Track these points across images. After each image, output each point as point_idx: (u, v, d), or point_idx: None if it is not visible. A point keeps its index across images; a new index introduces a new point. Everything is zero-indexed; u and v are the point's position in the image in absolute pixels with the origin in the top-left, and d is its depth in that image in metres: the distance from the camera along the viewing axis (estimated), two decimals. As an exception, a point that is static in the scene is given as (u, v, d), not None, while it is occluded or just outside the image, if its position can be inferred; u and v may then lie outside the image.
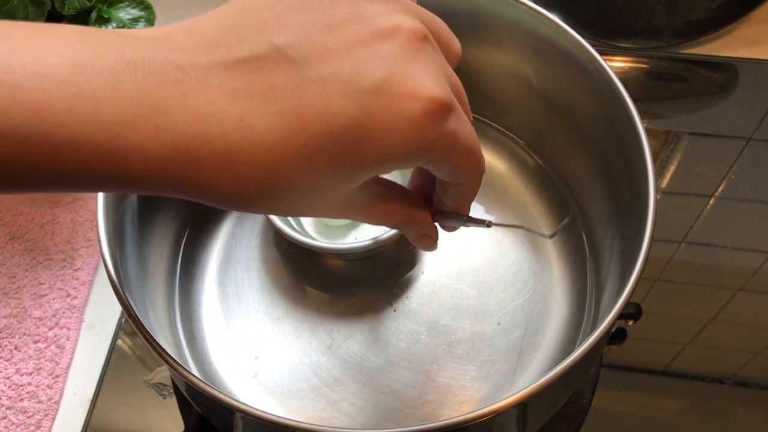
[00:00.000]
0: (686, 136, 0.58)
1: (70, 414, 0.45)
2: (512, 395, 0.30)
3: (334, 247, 0.44)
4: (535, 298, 0.45)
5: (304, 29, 0.22)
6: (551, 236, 0.29)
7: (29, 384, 0.46)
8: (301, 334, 0.44)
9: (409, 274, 0.47)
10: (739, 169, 0.56)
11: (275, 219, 0.44)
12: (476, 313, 0.45)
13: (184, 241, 0.48)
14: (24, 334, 0.47)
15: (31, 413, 0.45)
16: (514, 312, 0.45)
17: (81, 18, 0.51)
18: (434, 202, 0.30)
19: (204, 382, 0.31)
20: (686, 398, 0.46)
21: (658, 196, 0.40)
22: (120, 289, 0.34)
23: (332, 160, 0.22)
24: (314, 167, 0.22)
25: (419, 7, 0.25)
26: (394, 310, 0.45)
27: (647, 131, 0.38)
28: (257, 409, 0.30)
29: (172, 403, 0.46)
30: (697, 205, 0.54)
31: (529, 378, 0.43)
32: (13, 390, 0.45)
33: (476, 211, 0.49)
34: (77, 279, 0.50)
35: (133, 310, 0.34)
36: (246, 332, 0.45)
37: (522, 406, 0.33)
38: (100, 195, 0.37)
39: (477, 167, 0.26)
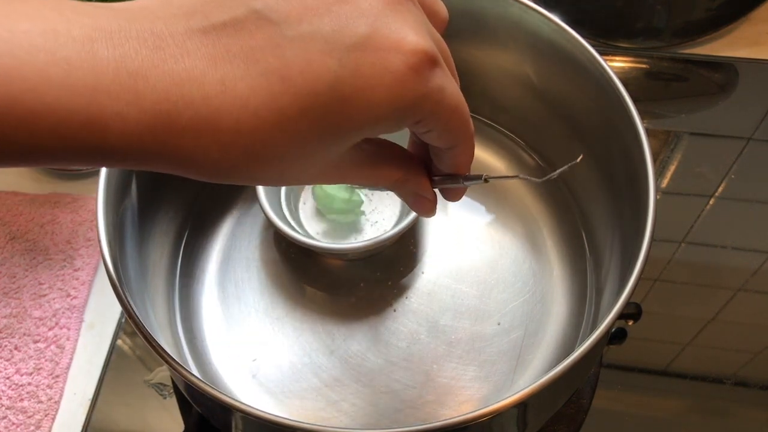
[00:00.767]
0: (686, 136, 0.58)
1: (70, 414, 0.45)
2: (512, 395, 0.30)
3: (334, 247, 0.44)
4: (535, 298, 0.45)
5: None
6: (543, 180, 0.29)
7: (29, 384, 0.46)
8: (301, 334, 0.44)
9: (409, 274, 0.47)
10: (739, 169, 0.56)
11: (275, 219, 0.44)
12: (476, 313, 0.45)
13: (184, 241, 0.48)
14: (24, 334, 0.47)
15: (31, 413, 0.45)
16: (514, 312, 0.45)
17: None
18: (432, 171, 0.30)
19: (204, 382, 0.31)
20: (686, 398, 0.46)
21: (658, 196, 0.40)
22: (120, 289, 0.34)
23: (318, 121, 0.22)
24: (300, 129, 0.22)
25: None
26: (394, 310, 0.45)
27: (647, 131, 0.38)
28: (257, 409, 0.30)
29: (172, 403, 0.46)
30: (697, 205, 0.54)
31: (529, 378, 0.43)
32: (13, 390, 0.45)
33: (476, 210, 0.50)
34: (77, 279, 0.50)
35: (133, 310, 0.34)
36: (246, 332, 0.45)
37: (522, 406, 0.33)
38: (100, 195, 0.37)
39: (466, 128, 0.25)
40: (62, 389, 0.46)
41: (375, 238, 0.43)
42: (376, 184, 0.28)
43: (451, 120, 0.24)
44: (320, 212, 0.48)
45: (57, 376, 0.46)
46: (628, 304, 0.33)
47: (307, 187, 0.49)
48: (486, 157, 0.52)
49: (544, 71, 0.46)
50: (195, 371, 0.43)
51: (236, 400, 0.31)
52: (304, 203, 0.49)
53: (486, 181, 0.27)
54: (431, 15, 0.25)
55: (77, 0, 0.21)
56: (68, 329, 0.48)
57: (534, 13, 0.43)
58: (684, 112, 0.61)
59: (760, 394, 0.46)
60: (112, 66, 0.20)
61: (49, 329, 0.48)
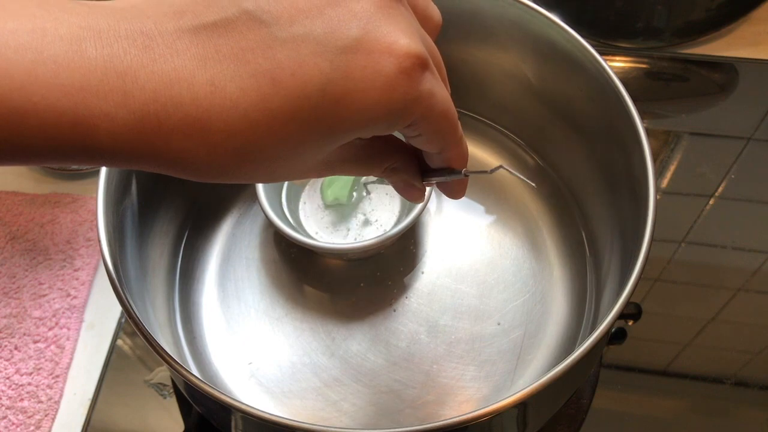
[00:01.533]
0: (686, 136, 0.58)
1: (70, 414, 0.45)
2: (512, 395, 0.30)
3: (334, 247, 0.44)
4: (535, 298, 0.45)
5: None
6: (491, 172, 0.29)
7: (29, 384, 0.46)
8: (301, 334, 0.44)
9: (409, 274, 0.47)
10: (739, 169, 0.56)
11: (275, 219, 0.44)
12: (476, 313, 0.45)
13: (184, 241, 0.48)
14: (24, 334, 0.47)
15: (31, 413, 0.45)
16: (514, 312, 0.45)
17: None
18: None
19: (204, 382, 0.31)
20: (686, 398, 0.46)
21: (658, 196, 0.40)
22: (120, 289, 0.34)
23: (308, 123, 0.21)
24: (290, 131, 0.21)
25: None
26: (394, 310, 0.45)
27: (647, 131, 0.38)
28: (257, 409, 0.30)
29: (172, 403, 0.46)
30: (697, 205, 0.54)
31: (529, 378, 0.43)
32: (13, 390, 0.45)
33: (476, 211, 0.50)
34: (77, 279, 0.50)
35: (133, 310, 0.34)
36: (246, 332, 0.45)
37: (522, 406, 0.33)
38: (100, 195, 0.37)
39: (454, 132, 0.25)
40: (62, 389, 0.46)
41: (375, 238, 0.43)
42: (367, 173, 0.28)
43: (440, 124, 0.24)
44: (320, 212, 0.48)
45: (57, 376, 0.46)
46: (628, 304, 0.33)
47: (307, 187, 0.49)
48: (486, 157, 0.52)
49: (544, 71, 0.46)
50: (195, 371, 0.43)
51: (236, 400, 0.31)
52: (304, 203, 0.49)
53: (466, 176, 0.28)
54: (424, 19, 0.25)
55: None
56: (68, 329, 0.48)
57: (534, 13, 0.43)
58: (684, 112, 0.61)
59: (760, 394, 0.46)
60: (100, 66, 0.19)
61: (49, 329, 0.48)
